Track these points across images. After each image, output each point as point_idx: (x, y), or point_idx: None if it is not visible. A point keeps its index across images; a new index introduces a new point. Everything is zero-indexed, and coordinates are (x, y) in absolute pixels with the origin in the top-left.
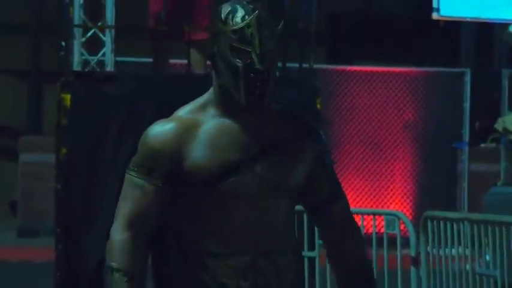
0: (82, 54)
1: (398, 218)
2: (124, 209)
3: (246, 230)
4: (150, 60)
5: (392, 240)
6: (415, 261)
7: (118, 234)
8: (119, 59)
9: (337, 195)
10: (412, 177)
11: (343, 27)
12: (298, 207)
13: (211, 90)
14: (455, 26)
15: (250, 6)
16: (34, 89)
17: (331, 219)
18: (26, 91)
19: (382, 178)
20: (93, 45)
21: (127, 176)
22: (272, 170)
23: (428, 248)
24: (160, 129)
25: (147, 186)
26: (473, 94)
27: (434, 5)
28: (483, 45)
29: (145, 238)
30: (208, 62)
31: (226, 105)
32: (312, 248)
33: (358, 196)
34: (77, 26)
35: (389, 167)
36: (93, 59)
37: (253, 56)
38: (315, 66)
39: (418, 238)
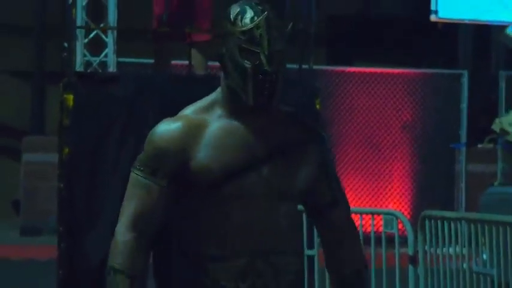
0: (84, 55)
1: (397, 218)
2: (128, 208)
3: (246, 231)
4: (152, 61)
5: (390, 239)
6: (413, 260)
7: (122, 234)
8: (120, 60)
9: (338, 202)
10: (410, 177)
11: (343, 29)
12: (299, 206)
13: (219, 90)
14: (453, 28)
15: (260, 7)
16: (37, 89)
17: (330, 225)
18: (29, 91)
19: (381, 178)
20: (96, 46)
21: (132, 175)
22: (277, 173)
23: (426, 247)
24: (167, 129)
25: (152, 186)
26: (471, 95)
27: (433, 7)
28: (480, 47)
29: (149, 238)
30: (209, 63)
31: (233, 106)
32: (311, 246)
33: (357, 195)
34: (80, 27)
35: (387, 167)
36: (96, 60)
37: (262, 57)
38: (315, 67)
39: (416, 237)
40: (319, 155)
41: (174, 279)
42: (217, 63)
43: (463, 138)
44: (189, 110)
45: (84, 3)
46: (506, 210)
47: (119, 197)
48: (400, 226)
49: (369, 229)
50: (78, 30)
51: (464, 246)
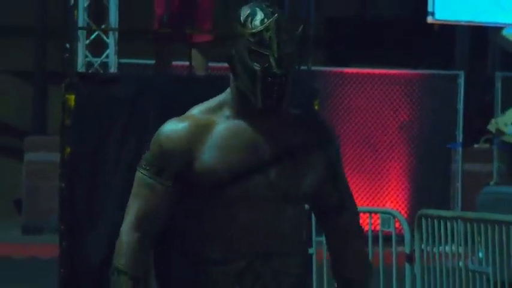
0: (86, 56)
1: (394, 216)
2: (133, 208)
3: (250, 233)
4: (153, 62)
5: (387, 238)
6: (410, 258)
7: (126, 234)
8: (122, 60)
9: (345, 206)
10: (407, 176)
11: (341, 31)
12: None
13: (228, 91)
14: (449, 30)
15: (270, 9)
16: (39, 89)
17: (337, 230)
18: (31, 92)
19: (378, 177)
20: (97, 47)
21: (138, 174)
22: (284, 176)
23: (423, 246)
24: (173, 129)
25: (156, 186)
26: (467, 96)
27: (430, 8)
28: (477, 49)
29: (152, 238)
30: (209, 64)
31: (242, 108)
32: (309, 245)
33: (354, 195)
34: (81, 28)
35: (385, 167)
36: (97, 61)
37: (271, 60)
38: (313, 68)
39: (412, 236)
40: (327, 157)
41: (174, 279)
42: (217, 64)
43: (460, 138)
44: (196, 110)
45: (85, 5)
46: (502, 209)
47: (120, 197)
48: (397, 225)
49: (366, 228)
50: (79, 31)
51: (461, 245)
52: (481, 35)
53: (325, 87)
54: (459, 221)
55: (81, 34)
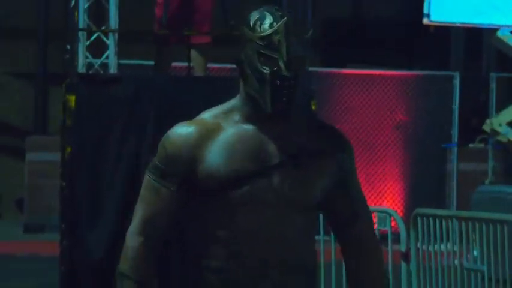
0: (86, 57)
1: (390, 215)
2: (139, 211)
3: (250, 238)
4: (152, 62)
5: (383, 237)
6: (406, 257)
7: (131, 239)
8: (121, 61)
9: (359, 217)
10: (403, 176)
11: (337, 32)
12: None
13: (238, 96)
14: (445, 31)
15: (279, 13)
16: (40, 90)
17: (351, 241)
18: (32, 92)
19: (375, 177)
20: (97, 48)
21: (145, 177)
22: (289, 182)
23: (418, 244)
24: (179, 133)
25: (162, 189)
26: (462, 96)
27: (425, 10)
28: (472, 50)
29: (157, 242)
30: (208, 65)
31: (251, 112)
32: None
33: None
34: (82, 30)
35: (381, 166)
36: (97, 62)
37: (280, 63)
38: (310, 69)
39: (408, 234)
40: (338, 166)
41: (173, 281)
42: (216, 65)
43: (455, 138)
44: (207, 114)
45: (86, 7)
46: (497, 208)
47: (120, 196)
48: (393, 224)
49: None
50: (80, 33)
51: (456, 243)
52: (476, 36)
53: (322, 87)
54: (454, 219)
55: (81, 35)
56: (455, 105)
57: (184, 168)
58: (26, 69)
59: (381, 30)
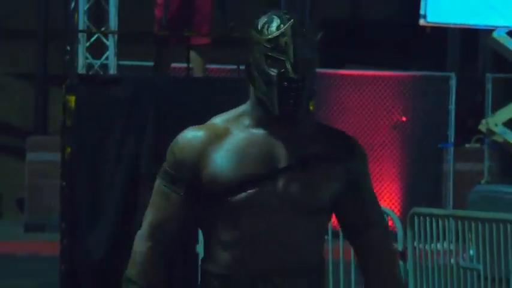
0: (86, 58)
1: (387, 215)
2: (148, 216)
3: (254, 243)
4: (152, 63)
5: None
6: (403, 256)
7: (139, 244)
8: (121, 62)
9: (373, 224)
10: (400, 175)
11: (335, 33)
12: None
13: (248, 101)
14: (441, 32)
15: (287, 16)
16: (41, 91)
17: (365, 247)
18: (33, 93)
19: (372, 176)
20: (97, 49)
21: (156, 181)
22: (294, 186)
23: (415, 243)
24: (187, 138)
25: (171, 194)
26: (459, 97)
27: (421, 11)
28: (468, 51)
29: (166, 247)
30: (207, 66)
31: (261, 116)
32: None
33: None
34: (82, 31)
35: (378, 166)
36: (97, 63)
37: (287, 65)
38: None
39: (405, 233)
40: (349, 172)
41: (176, 283)
42: (215, 66)
43: (451, 138)
44: (218, 119)
45: (85, 8)
46: (493, 207)
47: (120, 197)
48: (390, 223)
49: None
50: (80, 34)
51: (452, 242)
52: (472, 37)
53: (319, 88)
54: (451, 219)
55: (81, 37)
56: (452, 106)
57: (190, 173)
58: (26, 70)
59: (378, 31)
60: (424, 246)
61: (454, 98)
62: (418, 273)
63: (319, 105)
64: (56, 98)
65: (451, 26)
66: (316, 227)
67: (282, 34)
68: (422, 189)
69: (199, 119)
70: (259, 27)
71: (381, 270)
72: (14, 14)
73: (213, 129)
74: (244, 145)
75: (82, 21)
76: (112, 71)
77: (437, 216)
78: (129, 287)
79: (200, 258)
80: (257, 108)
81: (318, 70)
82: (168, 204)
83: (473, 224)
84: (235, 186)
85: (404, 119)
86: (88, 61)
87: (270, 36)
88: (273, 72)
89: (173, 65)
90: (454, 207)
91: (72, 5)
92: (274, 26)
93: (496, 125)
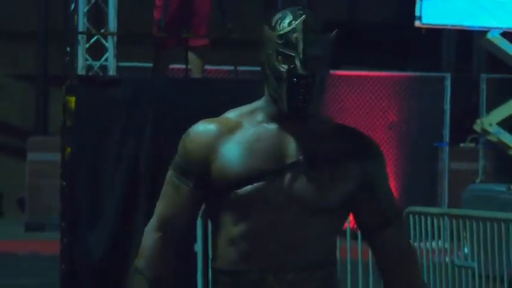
0: (86, 60)
1: None
2: (159, 208)
3: (261, 239)
4: (150, 65)
5: None
6: None
7: (148, 235)
8: (120, 64)
9: (388, 224)
10: (396, 175)
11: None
12: None
13: (264, 97)
14: (436, 33)
15: (300, 12)
16: (41, 92)
17: (381, 247)
18: (33, 94)
19: None
20: (97, 51)
21: (168, 172)
22: (301, 184)
23: (410, 241)
24: (198, 131)
25: (181, 186)
26: (454, 97)
27: (417, 13)
28: (463, 52)
29: (175, 239)
30: (206, 67)
31: (274, 113)
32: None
33: None
34: (81, 33)
35: None
36: (96, 64)
37: (296, 61)
38: None
39: None
40: (363, 171)
41: (186, 279)
42: (213, 67)
43: (446, 138)
44: (232, 113)
45: (85, 10)
46: (487, 206)
47: (119, 195)
48: None
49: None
50: (79, 36)
51: (447, 241)
52: (467, 38)
53: None
54: (445, 217)
55: (81, 38)
56: (447, 106)
57: (199, 165)
58: (26, 71)
59: (374, 32)
60: (419, 245)
61: (449, 98)
62: None
63: None
64: (56, 98)
65: (446, 27)
66: (324, 226)
67: (293, 30)
68: (417, 188)
69: (198, 120)
70: (273, 24)
71: (397, 270)
72: (14, 16)
73: (224, 123)
74: (253, 140)
75: (82, 22)
76: (111, 72)
77: (432, 215)
78: (136, 278)
79: (210, 258)
80: (270, 105)
81: None
82: (178, 196)
83: (467, 223)
84: (242, 180)
85: (397, 118)
86: (88, 62)
87: (281, 32)
88: (283, 68)
89: (172, 66)
90: (449, 206)
91: (72, 6)
92: (286, 22)
93: (490, 124)
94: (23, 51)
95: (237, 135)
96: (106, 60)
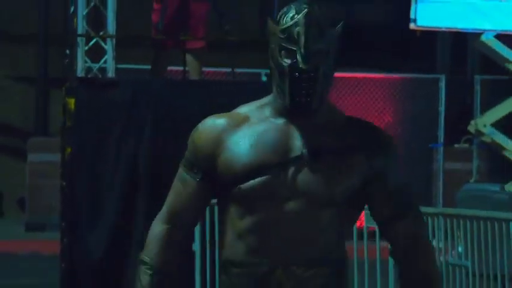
0: (85, 62)
1: None
2: (168, 200)
3: (268, 234)
4: (149, 67)
5: (372, 234)
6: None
7: (155, 227)
8: (119, 66)
9: (401, 216)
10: None
11: None
12: None
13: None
14: (431, 36)
15: (304, 5)
16: (41, 93)
17: (396, 238)
18: (33, 95)
19: None
20: (96, 53)
21: (179, 168)
22: (305, 178)
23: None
24: (207, 125)
25: (189, 180)
26: (448, 98)
27: (412, 15)
28: (457, 54)
29: (182, 232)
30: (203, 69)
31: (280, 107)
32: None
33: None
34: (81, 35)
35: None
36: (96, 66)
37: (298, 56)
38: None
39: None
40: (370, 163)
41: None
42: (211, 69)
43: (441, 139)
44: (243, 108)
45: (84, 13)
46: (481, 205)
47: (119, 195)
48: None
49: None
50: (79, 38)
51: (441, 240)
52: (461, 40)
53: None
54: (440, 217)
55: (80, 41)
56: (441, 107)
57: (206, 159)
58: (27, 73)
59: (369, 34)
60: None
61: (444, 100)
62: None
63: None
64: (56, 100)
65: (441, 29)
66: (331, 221)
67: (295, 24)
68: (413, 188)
69: (196, 121)
70: (277, 18)
71: (411, 261)
72: (15, 18)
73: (233, 118)
74: (259, 134)
75: (81, 25)
76: (110, 74)
77: (426, 215)
78: (141, 268)
79: (217, 249)
80: (277, 100)
81: None
82: (185, 189)
83: (461, 222)
84: (247, 173)
85: (391, 120)
86: (87, 64)
87: (283, 27)
88: (285, 63)
89: (170, 68)
90: (444, 206)
91: (72, 9)
92: (289, 16)
93: (484, 125)
94: (23, 53)
95: (244, 130)
96: (105, 62)
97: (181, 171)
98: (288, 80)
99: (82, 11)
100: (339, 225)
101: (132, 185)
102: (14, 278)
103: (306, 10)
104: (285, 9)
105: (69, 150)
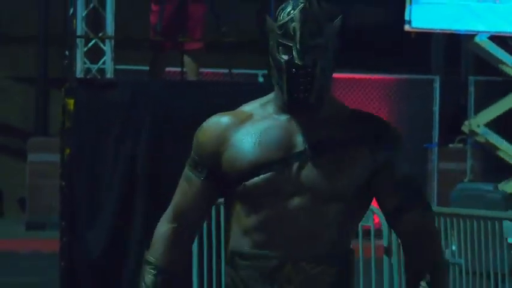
0: (84, 63)
1: (373, 212)
2: (173, 200)
3: (275, 230)
4: (147, 68)
5: (367, 232)
6: (388, 251)
7: (160, 225)
8: (118, 67)
9: (406, 207)
10: None
11: None
12: None
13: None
14: (425, 37)
15: (302, 1)
16: (41, 94)
17: (403, 230)
18: (33, 96)
19: None
20: (95, 54)
21: (185, 167)
22: (309, 173)
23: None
24: (211, 123)
25: (193, 178)
26: (442, 99)
27: (406, 17)
28: (451, 55)
29: (189, 231)
30: (201, 70)
31: (282, 104)
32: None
33: None
34: (80, 36)
35: None
36: (95, 67)
37: (294, 51)
38: None
39: (390, 230)
40: (382, 158)
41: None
42: (209, 70)
43: (435, 139)
44: (248, 106)
45: (83, 14)
46: (475, 204)
47: (117, 195)
48: (376, 220)
49: None
50: (78, 39)
51: None
52: (455, 42)
53: None
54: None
55: (79, 42)
56: (436, 108)
57: (211, 158)
58: (27, 73)
59: (364, 36)
60: None
61: (438, 100)
62: (402, 267)
63: None
64: (56, 100)
65: (435, 31)
66: (337, 216)
67: (291, 19)
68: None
69: (193, 122)
70: (276, 14)
71: (418, 252)
72: (15, 18)
73: (237, 116)
74: (263, 131)
75: (80, 27)
76: (109, 75)
77: None
78: (145, 267)
79: (222, 244)
80: (278, 96)
81: None
82: (191, 188)
83: (455, 221)
84: (250, 170)
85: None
86: (86, 66)
87: (280, 23)
88: (283, 59)
89: (167, 69)
90: (438, 205)
91: (71, 11)
92: (286, 11)
93: (478, 126)
94: (23, 54)
95: (247, 127)
96: (104, 63)
97: (186, 171)
98: (286, 76)
99: (81, 12)
100: (344, 221)
101: (131, 185)
102: (14, 276)
103: (302, 5)
104: (283, 5)
105: (68, 150)
